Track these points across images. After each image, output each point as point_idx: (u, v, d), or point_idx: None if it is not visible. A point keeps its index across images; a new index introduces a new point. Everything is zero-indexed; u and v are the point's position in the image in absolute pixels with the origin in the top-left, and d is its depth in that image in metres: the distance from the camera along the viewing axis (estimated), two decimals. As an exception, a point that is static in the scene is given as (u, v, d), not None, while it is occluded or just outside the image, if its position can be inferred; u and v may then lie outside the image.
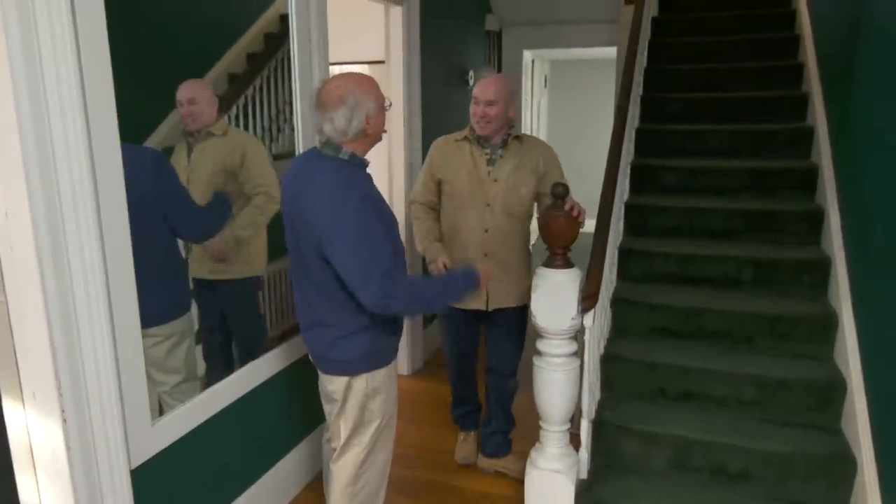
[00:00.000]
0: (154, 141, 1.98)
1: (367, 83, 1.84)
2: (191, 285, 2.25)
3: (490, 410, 2.84)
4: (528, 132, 6.41)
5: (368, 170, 1.93)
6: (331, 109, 1.78)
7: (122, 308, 1.70)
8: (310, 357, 2.05)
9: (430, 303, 2.00)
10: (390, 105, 1.93)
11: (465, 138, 2.59)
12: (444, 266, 2.50)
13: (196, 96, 2.16)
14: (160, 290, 2.05)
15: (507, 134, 2.56)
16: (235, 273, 2.45)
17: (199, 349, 2.26)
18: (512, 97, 2.53)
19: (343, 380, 1.93)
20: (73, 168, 1.51)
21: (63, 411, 1.57)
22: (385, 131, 1.96)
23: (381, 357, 1.96)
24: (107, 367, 1.65)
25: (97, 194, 1.59)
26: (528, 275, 2.57)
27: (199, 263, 2.32)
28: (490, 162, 2.55)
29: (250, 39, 2.36)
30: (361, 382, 1.93)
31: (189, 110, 2.14)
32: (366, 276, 1.73)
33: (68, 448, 1.60)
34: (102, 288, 1.61)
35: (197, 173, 2.23)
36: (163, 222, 2.03)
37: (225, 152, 2.32)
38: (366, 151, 1.92)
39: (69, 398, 1.57)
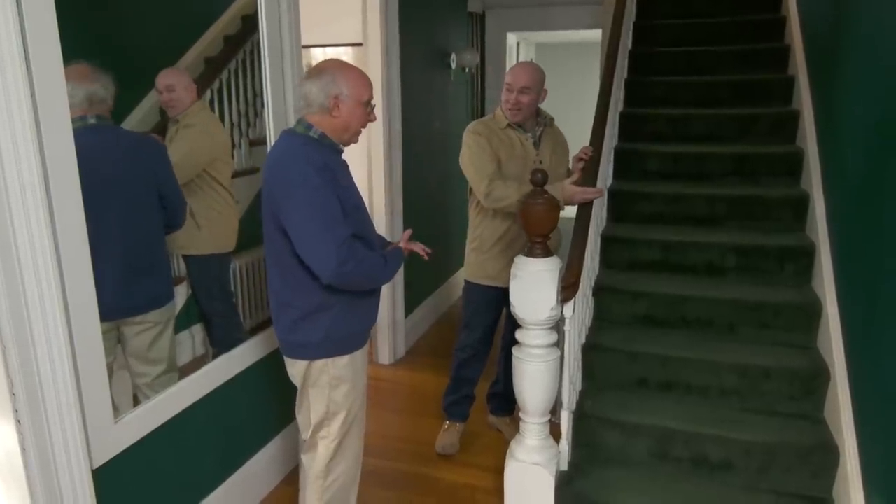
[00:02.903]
0: (128, 125, 1.94)
1: (352, 73, 1.86)
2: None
3: (499, 373, 2.95)
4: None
5: (348, 154, 1.93)
6: (308, 78, 1.83)
7: (79, 302, 1.62)
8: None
9: (374, 279, 1.93)
10: (374, 106, 1.92)
11: (509, 125, 2.61)
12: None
13: (173, 83, 2.12)
14: (151, 277, 2.05)
15: (544, 118, 2.67)
16: (195, 249, 2.39)
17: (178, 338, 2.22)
18: (543, 85, 2.59)
19: (302, 364, 1.91)
20: (21, 158, 1.43)
21: (16, 412, 1.50)
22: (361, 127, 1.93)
23: (343, 344, 1.91)
24: (63, 365, 1.57)
25: (48, 184, 1.50)
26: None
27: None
28: (535, 145, 2.63)
29: (227, 21, 2.30)
30: (321, 369, 1.90)
31: (168, 97, 2.12)
32: (321, 245, 1.73)
33: (23, 449, 1.52)
34: (56, 282, 1.53)
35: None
36: (157, 210, 2.02)
37: (184, 139, 2.26)
38: (338, 138, 1.89)
39: (23, 398, 1.50)
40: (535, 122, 2.65)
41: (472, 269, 2.74)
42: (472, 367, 2.87)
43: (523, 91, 2.50)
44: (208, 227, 2.36)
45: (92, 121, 1.65)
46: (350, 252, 1.75)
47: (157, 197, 2.01)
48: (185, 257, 2.34)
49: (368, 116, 1.90)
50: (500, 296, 2.69)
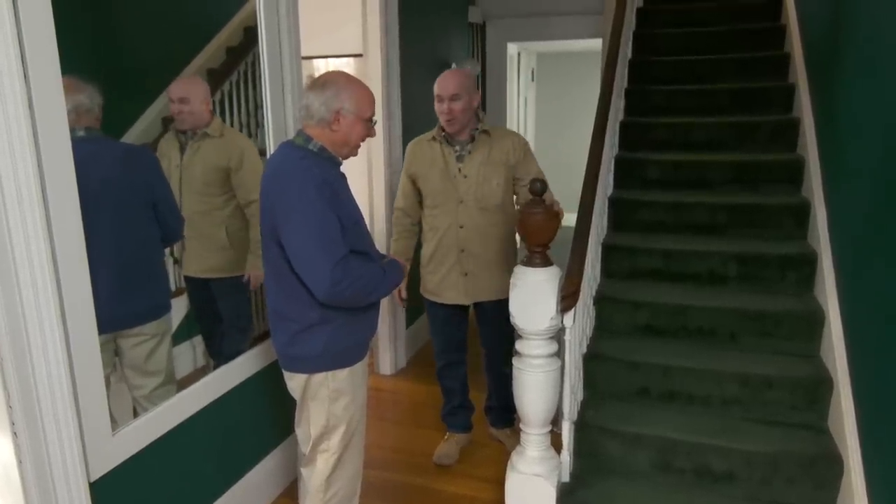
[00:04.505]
0: (131, 137, 1.94)
1: (357, 87, 1.86)
2: (172, 285, 2.22)
3: (489, 387, 2.94)
4: (515, 126, 6.34)
5: (347, 167, 1.93)
6: (312, 90, 1.83)
7: (77, 314, 1.62)
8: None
9: (372, 293, 1.90)
10: (375, 122, 1.93)
11: (434, 138, 2.61)
12: (400, 295, 2.67)
13: (188, 95, 2.12)
14: (148, 288, 2.05)
15: (475, 128, 2.58)
16: (229, 271, 2.43)
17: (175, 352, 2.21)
18: (475, 89, 2.55)
19: (301, 377, 1.90)
20: (18, 167, 1.43)
21: (13, 424, 1.49)
22: (361, 142, 1.94)
23: (342, 357, 1.90)
24: (60, 377, 1.57)
25: (45, 194, 1.51)
26: (510, 267, 2.61)
27: (191, 263, 2.29)
28: (459, 158, 2.58)
29: (230, 33, 2.31)
30: (320, 382, 1.88)
31: (179, 108, 2.11)
32: (315, 264, 1.72)
33: (20, 463, 1.52)
34: (54, 294, 1.53)
35: (190, 173, 2.21)
36: (151, 222, 2.01)
37: (221, 154, 2.28)
38: (337, 151, 1.89)
39: (19, 411, 1.50)
40: (470, 131, 2.58)
41: (422, 281, 2.76)
42: (448, 378, 2.88)
43: (454, 98, 2.47)
44: (241, 248, 2.38)
45: (81, 133, 1.64)
46: (344, 272, 1.73)
47: (152, 209, 2.00)
48: (214, 280, 2.36)
49: (368, 132, 1.90)
50: (450, 310, 2.73)
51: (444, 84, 2.49)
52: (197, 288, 2.34)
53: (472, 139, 2.57)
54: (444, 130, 2.58)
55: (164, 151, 2.14)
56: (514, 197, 2.68)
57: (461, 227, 2.57)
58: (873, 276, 2.04)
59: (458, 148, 2.58)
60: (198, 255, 2.29)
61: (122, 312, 1.86)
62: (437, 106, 2.52)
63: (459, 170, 2.56)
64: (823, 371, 2.36)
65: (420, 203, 2.70)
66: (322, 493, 1.95)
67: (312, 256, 1.72)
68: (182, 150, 2.19)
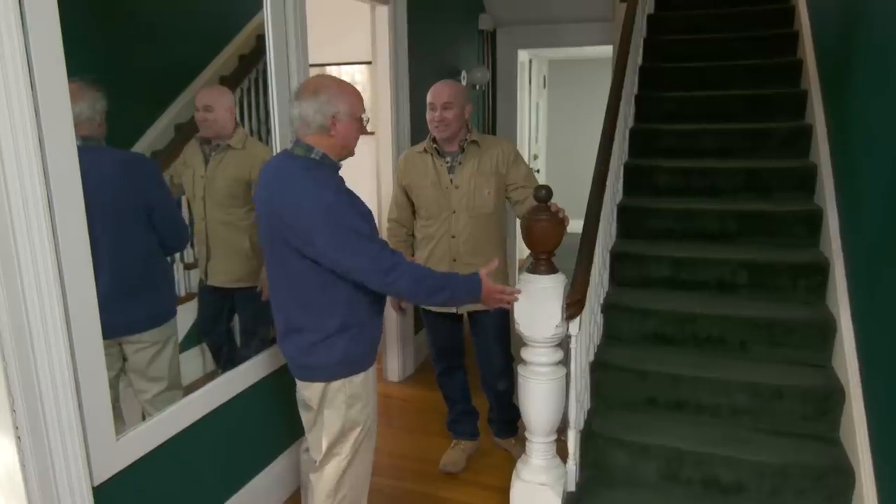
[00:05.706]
0: (143, 145, 1.95)
1: (347, 89, 1.85)
2: (182, 292, 2.23)
3: (488, 401, 2.93)
4: (527, 133, 6.34)
5: (354, 174, 1.97)
6: (303, 98, 1.81)
7: (81, 318, 1.63)
8: (287, 364, 2.00)
9: (434, 287, 1.87)
10: (367, 121, 1.93)
11: (425, 150, 2.63)
12: (400, 304, 2.79)
13: (212, 103, 2.15)
14: (147, 297, 2.03)
15: (464, 139, 2.60)
16: (254, 281, 2.46)
17: (184, 357, 2.22)
18: (467, 100, 2.58)
19: (319, 386, 1.89)
20: (24, 174, 1.45)
21: (17, 428, 1.51)
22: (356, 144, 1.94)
23: (358, 363, 1.91)
24: (64, 381, 1.58)
25: (50, 199, 1.52)
26: (503, 276, 2.66)
27: (217, 273, 2.33)
28: (451, 170, 2.60)
29: (243, 41, 2.33)
30: (338, 389, 1.88)
31: (203, 116, 2.14)
32: (362, 261, 1.74)
33: (23, 466, 1.53)
34: (58, 298, 1.55)
35: (214, 184, 2.24)
36: (150, 230, 2.00)
37: (242, 166, 2.30)
38: (337, 155, 1.89)
39: (23, 414, 1.51)
40: (460, 142, 2.60)
41: None
42: (447, 386, 2.89)
43: (446, 107, 2.49)
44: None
45: (77, 143, 1.62)
46: (392, 259, 1.77)
47: (147, 217, 1.98)
48: (238, 289, 2.38)
49: (362, 130, 1.91)
50: (444, 318, 2.73)
51: (437, 92, 2.53)
52: (221, 297, 2.36)
53: (462, 150, 2.59)
54: (434, 142, 2.60)
55: (189, 162, 2.16)
56: (507, 201, 2.69)
57: (453, 236, 2.61)
58: (887, 286, 2.00)
59: (448, 159, 2.60)
60: (223, 265, 2.32)
61: (118, 320, 1.83)
62: (428, 114, 2.55)
63: (451, 181, 2.59)
64: (835, 381, 2.32)
65: (413, 213, 2.72)
66: (331, 498, 1.94)
67: (358, 259, 1.75)
68: (206, 161, 2.22)
